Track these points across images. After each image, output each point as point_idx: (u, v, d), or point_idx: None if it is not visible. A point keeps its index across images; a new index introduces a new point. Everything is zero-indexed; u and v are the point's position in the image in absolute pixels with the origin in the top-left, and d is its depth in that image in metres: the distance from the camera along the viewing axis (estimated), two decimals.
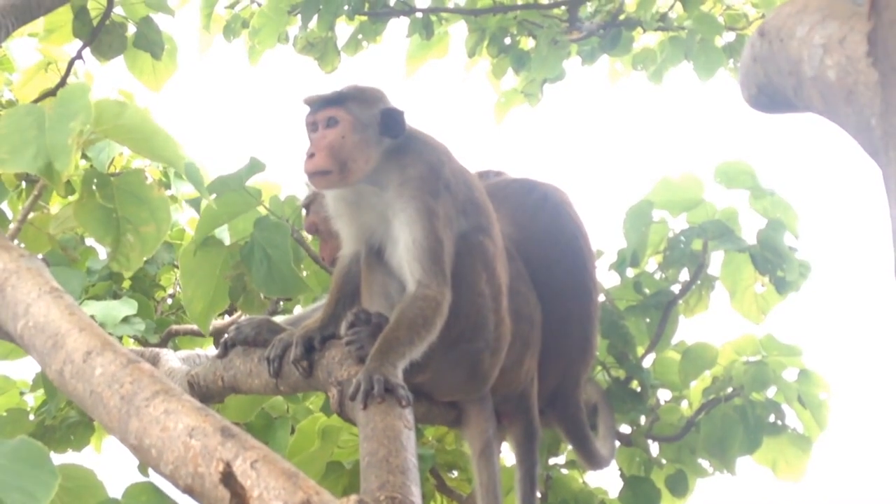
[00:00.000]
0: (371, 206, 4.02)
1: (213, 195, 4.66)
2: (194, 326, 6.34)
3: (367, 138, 3.96)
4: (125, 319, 6.05)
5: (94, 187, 3.80)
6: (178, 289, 7.17)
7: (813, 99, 2.37)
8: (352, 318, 3.91)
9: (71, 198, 5.02)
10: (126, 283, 6.69)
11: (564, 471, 5.55)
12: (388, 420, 3.42)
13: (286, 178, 6.22)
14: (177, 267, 6.87)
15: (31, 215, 3.98)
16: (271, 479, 2.39)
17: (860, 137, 2.26)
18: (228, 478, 2.35)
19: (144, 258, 4.06)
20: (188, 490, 2.58)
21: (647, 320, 5.50)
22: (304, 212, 5.03)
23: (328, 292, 4.26)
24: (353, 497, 2.33)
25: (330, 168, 3.89)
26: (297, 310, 5.37)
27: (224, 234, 5.03)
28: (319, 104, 3.97)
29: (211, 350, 6.16)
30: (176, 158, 3.84)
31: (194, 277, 4.91)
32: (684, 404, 5.66)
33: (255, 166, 4.86)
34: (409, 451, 3.32)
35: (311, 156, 3.89)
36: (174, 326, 6.69)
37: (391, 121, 4.00)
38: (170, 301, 7.24)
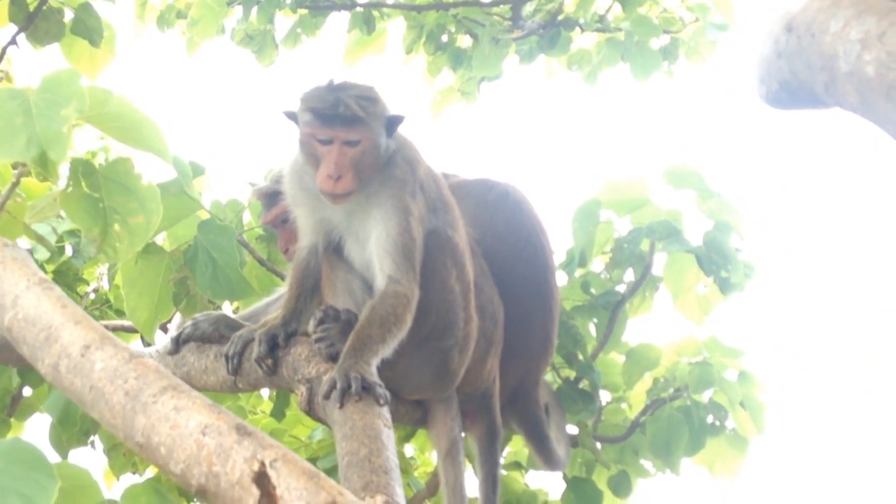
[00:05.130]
0: None
1: None
2: (123, 322, 6.19)
3: (380, 149, 3.91)
4: None
5: (80, 176, 3.65)
6: (102, 283, 6.96)
7: (847, 95, 2.34)
8: (320, 315, 3.84)
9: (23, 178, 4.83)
10: (49, 277, 6.49)
11: (505, 472, 5.51)
12: (368, 419, 3.37)
13: (223, 173, 6.08)
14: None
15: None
16: (292, 480, 2.30)
17: None
18: (262, 477, 2.25)
19: (135, 250, 3.92)
20: (201, 490, 2.46)
21: (595, 320, 5.48)
22: (262, 205, 4.90)
23: (287, 287, 4.17)
24: (380, 497, 2.24)
25: (355, 189, 3.84)
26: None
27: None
28: (340, 123, 3.83)
29: (138, 344, 5.97)
30: (162, 149, 3.71)
31: (136, 286, 4.80)
32: (625, 405, 5.66)
33: (194, 170, 4.75)
34: (391, 450, 3.27)
35: (336, 178, 3.80)
36: (100, 322, 6.50)
37: (393, 126, 3.97)
38: (93, 296, 7.04)
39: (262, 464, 2.27)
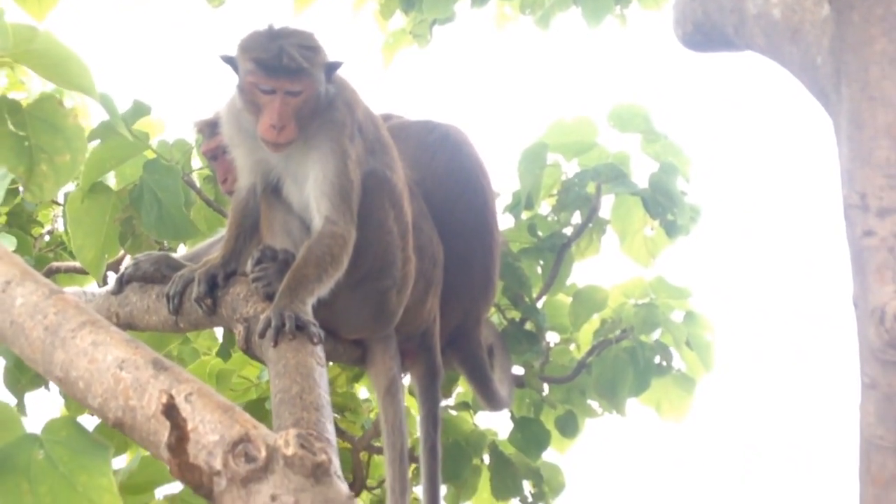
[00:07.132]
0: None
1: (97, 140, 4.54)
2: (75, 263, 6.20)
3: (321, 96, 3.91)
4: None
5: (5, 114, 3.64)
6: (56, 225, 6.95)
7: (755, 37, 2.38)
8: (258, 254, 3.88)
9: None
10: (2, 220, 6.48)
11: (454, 412, 5.56)
12: (301, 357, 3.41)
13: (172, 115, 6.06)
14: (56, 203, 6.66)
15: None
16: (207, 413, 2.34)
17: (804, 76, 2.27)
18: (171, 410, 2.28)
19: (59, 189, 3.92)
20: (118, 423, 2.51)
21: (541, 263, 5.52)
22: (203, 134, 4.86)
23: (226, 227, 4.19)
24: (293, 431, 2.29)
25: (297, 137, 3.85)
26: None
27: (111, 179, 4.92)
28: (284, 74, 3.81)
29: (93, 287, 5.98)
30: (90, 87, 3.70)
31: (83, 225, 4.80)
32: (574, 346, 5.71)
33: (140, 109, 4.75)
34: (322, 388, 3.32)
35: (280, 128, 3.80)
36: (54, 263, 6.50)
37: (332, 72, 3.96)
38: (47, 238, 7.03)
39: (171, 396, 2.31)
